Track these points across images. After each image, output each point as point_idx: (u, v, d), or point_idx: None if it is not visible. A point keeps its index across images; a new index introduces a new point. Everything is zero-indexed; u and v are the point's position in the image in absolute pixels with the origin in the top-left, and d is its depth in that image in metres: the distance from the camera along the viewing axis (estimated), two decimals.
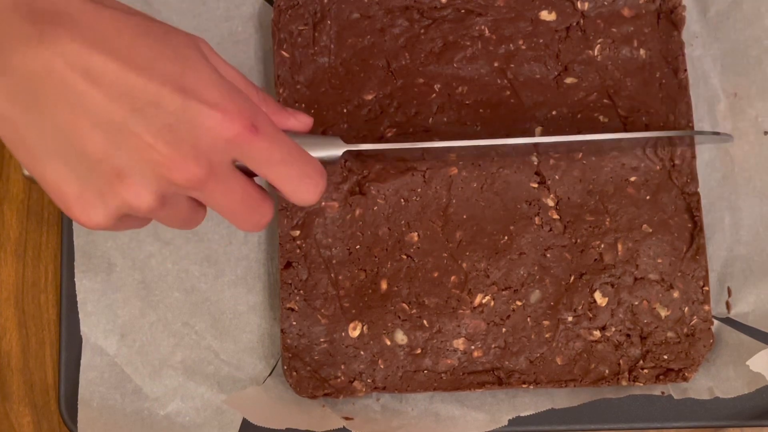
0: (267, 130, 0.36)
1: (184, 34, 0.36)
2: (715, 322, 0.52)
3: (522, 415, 0.50)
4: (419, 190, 0.51)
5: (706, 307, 0.51)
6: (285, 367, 0.50)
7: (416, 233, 0.51)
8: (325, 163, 0.43)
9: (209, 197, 0.36)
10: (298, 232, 0.50)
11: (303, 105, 0.51)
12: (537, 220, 0.51)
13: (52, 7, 0.32)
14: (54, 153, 0.33)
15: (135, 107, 0.32)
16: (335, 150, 0.44)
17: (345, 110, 0.52)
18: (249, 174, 0.38)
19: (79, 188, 0.33)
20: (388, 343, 0.50)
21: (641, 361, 0.50)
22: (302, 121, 0.43)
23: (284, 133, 0.37)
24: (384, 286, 0.50)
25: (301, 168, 0.37)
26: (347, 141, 0.51)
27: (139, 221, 0.37)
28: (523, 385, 0.50)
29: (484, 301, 0.50)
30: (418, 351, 0.50)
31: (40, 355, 0.53)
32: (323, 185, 0.38)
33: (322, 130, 0.51)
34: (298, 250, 0.50)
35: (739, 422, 0.51)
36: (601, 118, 0.52)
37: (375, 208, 0.51)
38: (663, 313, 0.50)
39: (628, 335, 0.50)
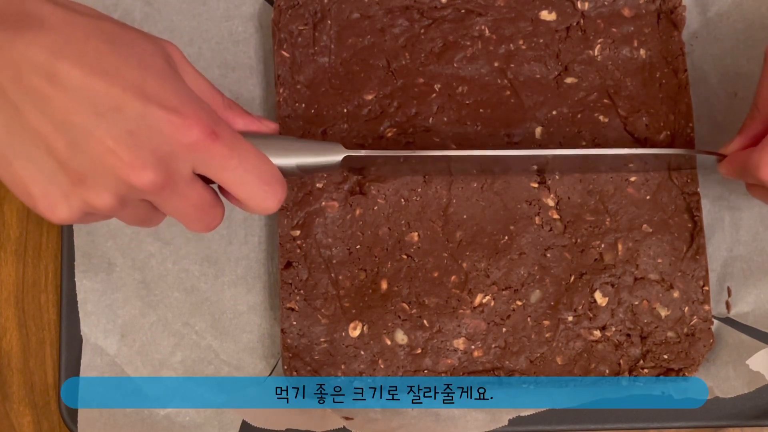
0: (226, 136, 0.36)
1: (152, 41, 0.37)
2: (715, 321, 0.52)
3: (522, 415, 0.50)
4: (419, 189, 0.51)
5: (706, 307, 0.51)
6: (285, 367, 0.50)
7: (416, 233, 0.51)
8: (326, 168, 0.43)
9: (164, 202, 0.37)
10: (298, 232, 0.50)
11: (303, 105, 0.51)
12: (537, 219, 0.51)
13: (23, 12, 0.33)
14: (22, 153, 0.34)
15: (98, 112, 0.33)
16: (335, 155, 0.43)
17: (345, 110, 0.52)
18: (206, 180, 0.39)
19: (44, 188, 0.35)
20: (389, 342, 0.50)
21: (641, 361, 0.50)
22: (267, 125, 0.43)
23: (245, 140, 0.38)
24: (384, 285, 0.50)
25: (259, 175, 0.38)
26: (348, 142, 0.51)
27: (101, 217, 0.38)
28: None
29: (484, 300, 0.50)
30: (419, 351, 0.50)
31: (40, 355, 0.53)
32: (282, 194, 0.39)
33: (322, 129, 0.51)
34: (298, 250, 0.50)
35: (739, 422, 0.51)
36: (601, 118, 0.52)
37: (375, 207, 0.51)
38: (663, 312, 0.50)
39: (628, 335, 0.50)
